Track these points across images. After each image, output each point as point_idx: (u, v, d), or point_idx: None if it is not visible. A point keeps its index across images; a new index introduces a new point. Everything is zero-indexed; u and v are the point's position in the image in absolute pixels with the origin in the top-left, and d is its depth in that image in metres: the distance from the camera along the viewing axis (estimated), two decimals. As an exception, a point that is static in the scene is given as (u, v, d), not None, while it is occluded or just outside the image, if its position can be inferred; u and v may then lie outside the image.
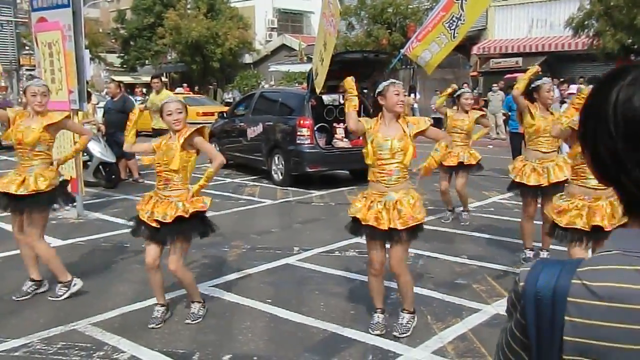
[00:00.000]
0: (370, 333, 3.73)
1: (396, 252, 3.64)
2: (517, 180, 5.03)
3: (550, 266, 0.86)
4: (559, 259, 0.90)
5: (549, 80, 5.09)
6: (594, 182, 3.59)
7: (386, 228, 3.52)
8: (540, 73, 5.21)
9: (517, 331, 0.88)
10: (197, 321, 3.94)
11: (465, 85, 19.26)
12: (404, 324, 3.73)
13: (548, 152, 4.98)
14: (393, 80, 3.65)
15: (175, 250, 3.84)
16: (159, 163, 3.88)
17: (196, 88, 27.77)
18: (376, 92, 3.63)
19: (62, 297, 4.36)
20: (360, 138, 3.80)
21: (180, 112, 3.87)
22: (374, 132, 3.59)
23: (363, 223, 3.59)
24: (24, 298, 4.38)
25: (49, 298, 4.39)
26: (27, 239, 4.37)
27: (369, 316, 4.05)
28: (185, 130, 3.86)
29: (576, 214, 3.67)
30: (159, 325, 3.87)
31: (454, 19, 8.77)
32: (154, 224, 3.77)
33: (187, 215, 3.78)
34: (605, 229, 3.55)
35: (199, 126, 4.00)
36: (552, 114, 5.01)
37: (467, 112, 6.67)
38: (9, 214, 4.47)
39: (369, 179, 3.67)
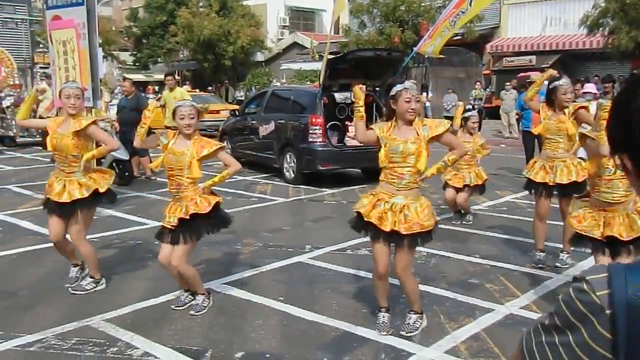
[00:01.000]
0: (373, 342, 3.65)
1: (401, 259, 3.55)
2: (527, 175, 5.05)
3: (634, 271, 0.79)
4: (629, 264, 0.83)
5: (567, 82, 4.95)
6: (608, 196, 3.70)
7: (388, 230, 3.46)
8: (557, 75, 5.13)
9: (596, 345, 0.80)
10: (200, 312, 4.00)
11: (478, 83, 19.16)
12: (410, 324, 3.71)
13: (557, 154, 4.90)
14: (406, 86, 3.50)
15: (179, 247, 3.92)
16: (171, 167, 3.92)
17: (210, 87, 27.83)
18: (389, 95, 3.52)
19: (86, 291, 4.41)
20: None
21: (193, 118, 3.90)
22: (387, 137, 3.52)
23: (366, 220, 3.55)
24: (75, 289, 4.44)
25: (71, 290, 4.42)
26: (66, 241, 4.48)
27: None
28: (207, 145, 3.96)
29: (594, 223, 3.70)
30: (180, 308, 4.12)
31: (459, 13, 8.87)
32: (168, 225, 3.96)
33: (187, 217, 3.88)
34: (623, 240, 3.56)
35: (219, 145, 4.10)
36: (564, 114, 4.90)
37: (471, 134, 6.73)
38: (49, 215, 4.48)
39: (380, 178, 3.62)
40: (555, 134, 4.87)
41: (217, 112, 17.11)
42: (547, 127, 4.91)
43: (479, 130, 17.92)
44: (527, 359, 0.88)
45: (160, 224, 4.12)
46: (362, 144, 4.22)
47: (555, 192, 4.97)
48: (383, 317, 3.76)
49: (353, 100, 3.78)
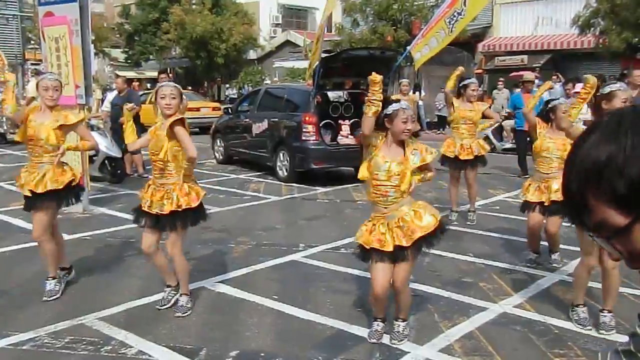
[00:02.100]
0: (367, 340, 3.63)
1: (402, 272, 3.48)
2: (524, 198, 4.94)
3: None
4: None
5: (565, 102, 4.82)
6: None
7: (391, 249, 3.40)
8: (551, 88, 4.98)
9: None
10: (186, 314, 4.00)
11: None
12: (400, 332, 3.66)
13: (550, 173, 4.74)
14: (403, 106, 3.45)
15: (172, 235, 3.98)
16: (152, 151, 3.92)
17: (205, 84, 27.76)
18: (384, 112, 3.41)
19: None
20: (359, 137, 3.68)
21: (174, 98, 3.87)
22: (375, 151, 3.47)
23: (367, 247, 3.46)
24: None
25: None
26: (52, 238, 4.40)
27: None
28: (170, 120, 3.86)
29: None
30: (165, 307, 4.07)
31: (455, 14, 8.85)
32: (152, 213, 3.91)
33: (180, 210, 3.90)
34: None
35: (180, 116, 3.95)
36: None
37: (471, 102, 6.51)
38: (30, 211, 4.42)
39: (368, 199, 3.57)
40: (552, 153, 4.71)
41: (197, 109, 17.11)
42: (546, 146, 4.72)
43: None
44: None
45: None
46: (354, 144, 4.13)
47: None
48: (378, 325, 3.70)
49: (367, 89, 3.55)
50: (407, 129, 3.42)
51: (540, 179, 4.82)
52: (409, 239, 3.39)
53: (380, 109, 3.42)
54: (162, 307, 4.09)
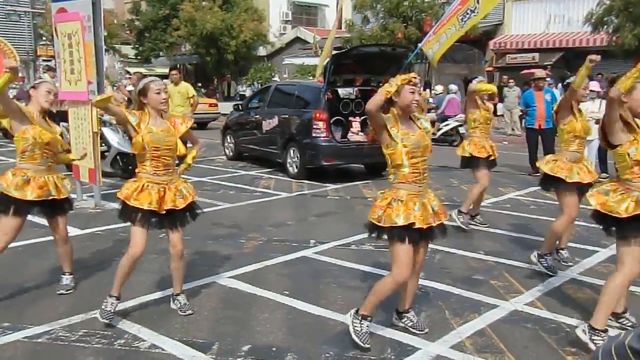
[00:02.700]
0: (378, 336, 3.61)
1: (424, 255, 3.56)
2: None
3: None
4: None
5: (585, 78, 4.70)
6: None
7: (426, 227, 3.36)
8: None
9: None
10: (189, 312, 3.94)
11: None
12: (422, 320, 3.76)
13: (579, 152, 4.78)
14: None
15: (179, 232, 3.90)
16: (157, 147, 3.71)
17: (215, 81, 27.85)
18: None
19: None
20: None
21: (166, 92, 3.86)
22: (401, 131, 3.33)
23: (416, 227, 3.31)
24: None
25: None
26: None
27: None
28: (182, 121, 3.91)
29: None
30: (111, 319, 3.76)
31: (468, 11, 8.83)
32: (162, 212, 3.75)
33: (193, 200, 3.91)
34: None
35: (189, 119, 4.05)
36: (579, 111, 4.80)
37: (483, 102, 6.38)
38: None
39: (398, 180, 3.37)
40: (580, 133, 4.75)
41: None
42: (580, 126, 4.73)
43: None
44: None
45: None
46: (364, 141, 4.05)
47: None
48: (410, 318, 3.72)
49: (379, 86, 3.55)
50: (416, 100, 3.34)
51: (575, 158, 4.73)
52: (438, 219, 3.43)
53: (390, 92, 3.27)
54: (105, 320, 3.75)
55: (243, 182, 9.16)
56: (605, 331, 3.44)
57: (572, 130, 4.71)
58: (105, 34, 8.58)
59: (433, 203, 3.46)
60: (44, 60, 24.90)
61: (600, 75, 14.03)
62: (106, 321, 3.72)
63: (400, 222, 3.29)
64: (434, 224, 3.42)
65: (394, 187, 3.42)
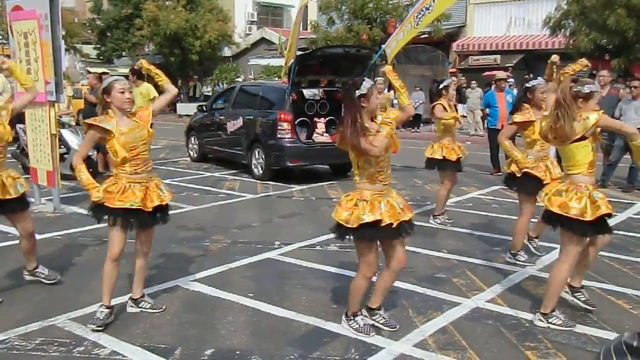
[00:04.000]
0: (342, 336, 3.63)
1: (404, 250, 3.61)
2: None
3: None
4: None
5: (543, 81, 4.98)
6: None
7: (395, 223, 3.44)
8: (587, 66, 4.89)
9: None
10: (160, 309, 3.99)
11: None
12: (389, 318, 3.82)
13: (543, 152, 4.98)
14: (377, 82, 3.63)
15: (149, 232, 3.92)
16: (134, 146, 3.69)
17: (179, 82, 27.42)
18: (360, 93, 3.38)
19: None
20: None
21: (131, 92, 3.82)
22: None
23: (383, 225, 3.40)
24: None
25: None
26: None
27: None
28: (145, 111, 3.90)
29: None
30: (101, 328, 3.69)
31: (423, 9, 9.01)
32: (148, 210, 3.75)
33: (164, 204, 3.88)
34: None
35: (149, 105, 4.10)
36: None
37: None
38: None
39: (362, 180, 3.48)
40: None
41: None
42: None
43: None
44: None
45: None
46: (329, 142, 4.11)
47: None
48: (367, 318, 3.76)
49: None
50: (379, 103, 3.55)
51: (539, 158, 4.93)
52: (403, 215, 3.50)
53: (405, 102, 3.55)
54: (98, 328, 3.68)
55: (207, 184, 9.07)
56: (554, 310, 3.80)
57: (534, 134, 4.87)
58: (64, 33, 8.36)
59: (397, 200, 3.55)
60: None
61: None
62: (94, 327, 3.67)
63: (368, 218, 3.38)
64: (405, 219, 3.52)
65: (358, 188, 3.52)
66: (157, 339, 3.61)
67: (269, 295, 4.33)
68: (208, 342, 3.57)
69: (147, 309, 3.99)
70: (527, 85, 5.09)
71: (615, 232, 6.33)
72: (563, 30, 16.74)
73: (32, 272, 4.52)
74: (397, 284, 4.60)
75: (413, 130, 18.48)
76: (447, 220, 6.58)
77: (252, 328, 3.80)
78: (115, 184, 3.73)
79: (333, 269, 4.96)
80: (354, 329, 3.68)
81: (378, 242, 3.59)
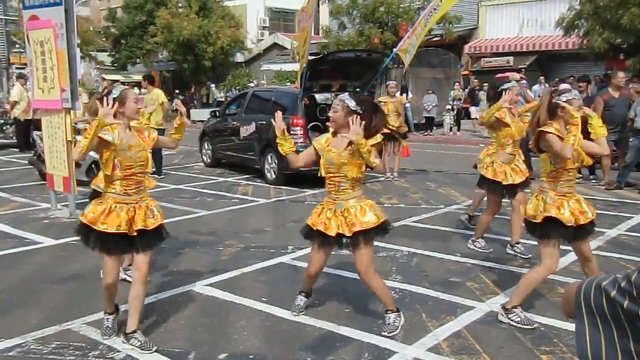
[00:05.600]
0: (356, 341, 3.63)
1: (360, 258, 3.71)
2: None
3: None
4: None
5: (517, 84, 5.46)
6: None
7: (334, 234, 3.67)
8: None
9: None
10: (155, 347, 3.52)
11: (457, 84, 19.36)
12: (391, 324, 3.75)
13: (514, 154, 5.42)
14: (343, 99, 3.76)
15: (147, 254, 3.58)
16: (130, 165, 3.47)
17: (192, 88, 27.64)
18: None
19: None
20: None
21: (141, 102, 3.83)
22: (325, 148, 3.75)
23: (313, 228, 3.75)
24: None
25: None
26: None
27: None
28: (152, 134, 3.73)
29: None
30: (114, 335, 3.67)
31: (432, 10, 9.05)
32: (132, 234, 3.48)
33: (155, 226, 3.59)
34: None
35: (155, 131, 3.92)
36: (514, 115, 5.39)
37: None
38: None
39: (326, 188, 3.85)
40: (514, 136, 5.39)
41: None
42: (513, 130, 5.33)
43: (458, 129, 17.97)
44: (582, 299, 0.98)
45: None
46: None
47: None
48: (300, 300, 4.08)
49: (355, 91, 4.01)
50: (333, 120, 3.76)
51: (510, 160, 5.35)
52: (349, 230, 3.65)
53: (292, 147, 3.81)
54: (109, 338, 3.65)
55: (221, 189, 9.11)
56: (516, 307, 3.89)
57: (507, 135, 5.31)
58: (79, 41, 8.49)
59: (347, 214, 3.68)
60: (17, 68, 24.48)
61: (572, 78, 14.29)
62: (107, 338, 3.67)
63: (307, 222, 3.82)
64: (347, 233, 3.66)
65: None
66: (171, 343, 3.63)
67: (282, 300, 4.34)
68: (221, 347, 3.58)
69: (135, 346, 3.49)
70: (502, 86, 5.30)
71: (631, 234, 6.27)
72: (576, 30, 16.58)
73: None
74: (411, 288, 4.60)
75: (426, 133, 18.42)
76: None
77: (265, 332, 3.81)
78: (101, 203, 3.50)
79: (346, 273, 4.95)
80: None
81: (329, 249, 3.87)
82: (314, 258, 3.91)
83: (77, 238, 3.64)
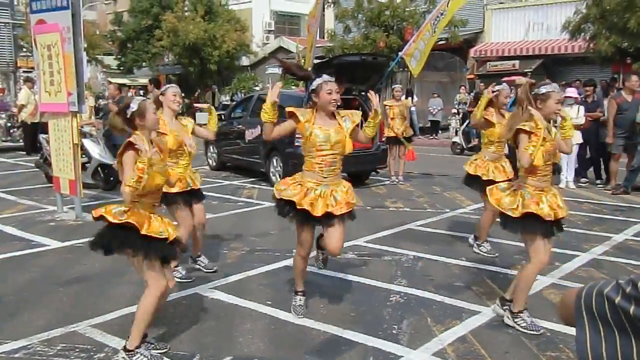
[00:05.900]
0: (360, 345, 3.62)
1: (338, 238, 3.86)
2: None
3: None
4: None
5: (507, 86, 5.50)
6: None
7: (320, 214, 3.72)
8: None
9: None
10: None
11: (463, 88, 19.34)
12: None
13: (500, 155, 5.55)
14: (326, 79, 3.85)
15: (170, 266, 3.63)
16: (159, 184, 3.41)
17: (198, 92, 27.71)
18: (310, 88, 3.88)
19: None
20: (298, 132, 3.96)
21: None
22: (315, 125, 3.77)
23: (298, 208, 3.75)
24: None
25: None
26: None
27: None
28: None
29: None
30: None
31: (439, 15, 9.03)
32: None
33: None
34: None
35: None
36: (503, 116, 5.40)
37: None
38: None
39: (304, 168, 3.86)
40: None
41: None
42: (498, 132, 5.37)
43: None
44: (583, 306, 0.97)
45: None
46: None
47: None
48: (301, 300, 4.12)
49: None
50: (334, 99, 3.76)
51: (493, 158, 5.47)
52: (339, 210, 3.76)
53: (273, 119, 3.80)
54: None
55: (226, 192, 9.13)
56: (522, 311, 3.86)
57: (491, 135, 5.42)
58: (86, 45, 8.56)
59: (336, 194, 3.78)
60: (24, 72, 24.61)
61: (578, 82, 14.24)
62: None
63: (286, 196, 3.77)
64: (337, 213, 3.74)
65: (301, 172, 3.87)
66: (176, 345, 3.64)
67: (287, 303, 4.33)
68: (226, 350, 3.59)
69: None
70: (492, 90, 5.45)
71: (638, 239, 6.23)
72: (583, 34, 16.54)
73: (195, 259, 5.09)
74: (416, 292, 4.58)
75: (432, 137, 18.40)
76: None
77: (270, 336, 3.81)
78: (135, 214, 3.37)
79: (351, 277, 4.95)
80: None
81: (313, 227, 3.94)
82: (304, 239, 3.95)
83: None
